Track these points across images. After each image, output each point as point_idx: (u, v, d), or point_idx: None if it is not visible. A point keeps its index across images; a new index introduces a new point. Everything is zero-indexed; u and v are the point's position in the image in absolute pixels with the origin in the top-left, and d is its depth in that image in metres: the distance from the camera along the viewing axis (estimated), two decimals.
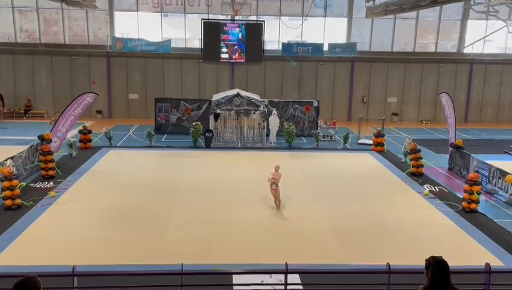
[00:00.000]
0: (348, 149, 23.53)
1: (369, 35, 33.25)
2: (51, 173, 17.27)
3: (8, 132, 26.02)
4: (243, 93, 24.51)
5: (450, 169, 19.97)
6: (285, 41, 32.31)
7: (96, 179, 17.54)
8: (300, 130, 26.28)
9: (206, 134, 23.30)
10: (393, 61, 33.10)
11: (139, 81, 32.08)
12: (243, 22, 31.50)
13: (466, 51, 33.62)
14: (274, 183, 14.06)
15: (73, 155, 20.52)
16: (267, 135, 24.15)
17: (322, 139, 24.39)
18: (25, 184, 15.41)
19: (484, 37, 33.06)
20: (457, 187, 17.17)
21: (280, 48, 32.24)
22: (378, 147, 22.87)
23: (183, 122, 26.50)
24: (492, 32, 32.48)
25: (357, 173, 18.93)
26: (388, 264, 7.22)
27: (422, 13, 32.16)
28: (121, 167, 19.19)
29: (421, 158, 18.87)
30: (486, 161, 17.51)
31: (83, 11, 31.07)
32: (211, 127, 23.71)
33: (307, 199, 15.58)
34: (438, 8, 30.87)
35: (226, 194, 15.86)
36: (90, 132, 22.52)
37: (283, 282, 7.33)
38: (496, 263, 10.51)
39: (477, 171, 15.75)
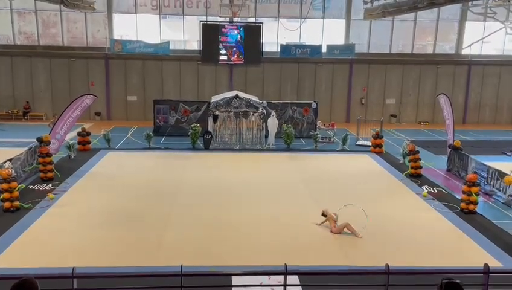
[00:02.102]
0: (347, 151, 23.54)
1: (367, 36, 33.32)
2: (49, 175, 17.25)
3: (6, 134, 26.01)
4: (242, 95, 24.53)
5: (448, 170, 20.00)
6: (284, 43, 32.37)
7: (95, 181, 17.52)
8: (299, 131, 26.31)
9: (205, 136, 23.32)
10: (392, 63, 33.19)
11: (137, 83, 32.11)
12: (242, 23, 31.56)
13: (464, 52, 33.73)
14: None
15: (72, 157, 20.51)
16: (266, 137, 24.17)
17: (320, 140, 24.42)
18: (24, 186, 15.38)
19: (482, 39, 33.17)
20: (455, 188, 17.19)
21: (278, 50, 32.30)
22: (377, 148, 22.89)
23: (182, 124, 26.52)
24: (490, 34, 32.61)
25: (356, 175, 18.94)
26: (387, 265, 7.23)
27: (420, 15, 32.28)
28: (120, 169, 19.19)
29: (420, 159, 18.89)
30: (485, 162, 17.53)
31: (82, 13, 31.09)
32: (210, 128, 23.72)
33: (305, 200, 15.58)
34: (436, 9, 30.93)
35: (225, 195, 15.86)
36: (88, 133, 22.50)
37: (282, 283, 7.33)
38: (494, 263, 10.52)
39: (475, 173, 15.76)
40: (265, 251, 11.44)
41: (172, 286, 7.36)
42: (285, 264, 7.22)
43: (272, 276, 9.04)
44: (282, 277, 7.41)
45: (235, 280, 8.93)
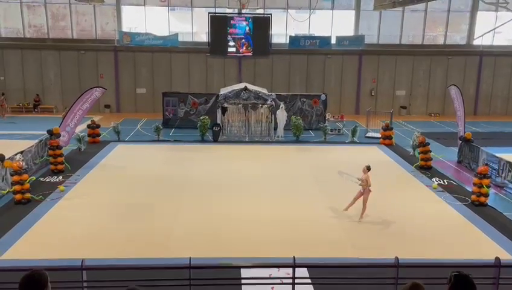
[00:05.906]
0: (356, 142, 23.43)
1: (377, 27, 33.00)
2: (60, 167, 17.38)
3: (17, 126, 26.21)
4: (251, 87, 24.46)
5: (459, 162, 19.83)
6: (293, 35, 32.17)
7: (105, 173, 17.62)
8: (308, 123, 26.21)
9: (214, 128, 23.32)
10: (402, 54, 32.86)
11: (146, 75, 32.15)
12: (250, 15, 31.35)
13: (475, 43, 33.28)
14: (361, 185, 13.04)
15: (82, 149, 20.64)
16: (275, 129, 24.10)
17: (329, 132, 24.31)
18: (35, 178, 15.52)
19: (494, 29, 32.71)
20: (466, 180, 17.04)
21: (287, 42, 32.11)
22: (387, 140, 22.76)
23: (191, 117, 26.51)
24: (502, 24, 32.14)
25: None
26: (396, 258, 7.20)
27: (431, 5, 31.83)
28: (129, 161, 19.26)
29: (430, 151, 18.75)
30: (496, 154, 17.34)
31: (91, 6, 31.14)
32: (219, 121, 23.72)
33: (314, 192, 15.56)
34: None
35: (233, 187, 15.87)
36: (98, 126, 22.61)
37: (291, 276, 7.33)
38: (505, 256, 10.43)
39: (486, 164, 15.61)
40: (274, 243, 11.43)
41: (181, 278, 7.38)
42: (294, 257, 7.20)
43: (280, 268, 9.03)
44: (291, 269, 7.40)
45: (244, 272, 8.94)
